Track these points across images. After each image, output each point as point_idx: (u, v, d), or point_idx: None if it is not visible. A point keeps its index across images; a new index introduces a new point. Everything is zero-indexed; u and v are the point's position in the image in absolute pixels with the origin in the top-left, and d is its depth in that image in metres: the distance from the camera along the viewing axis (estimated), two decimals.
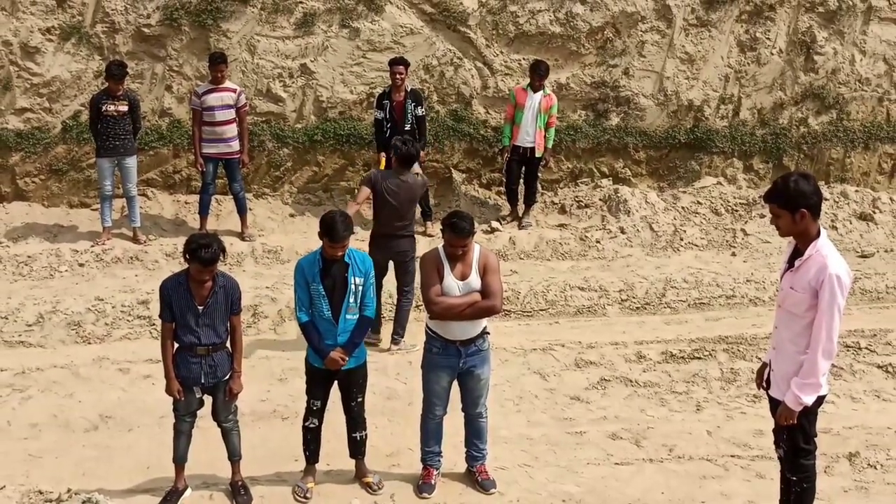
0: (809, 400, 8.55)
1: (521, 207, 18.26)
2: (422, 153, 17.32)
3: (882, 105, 19.43)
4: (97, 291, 15.21)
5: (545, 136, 17.61)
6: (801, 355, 8.57)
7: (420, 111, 17.14)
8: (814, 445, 9.03)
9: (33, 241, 16.90)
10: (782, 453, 9.26)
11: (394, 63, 17.02)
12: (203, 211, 17.11)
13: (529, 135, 17.48)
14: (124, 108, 16.40)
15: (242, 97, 16.90)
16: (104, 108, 16.25)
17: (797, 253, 8.60)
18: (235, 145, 16.89)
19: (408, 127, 17.00)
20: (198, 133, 16.60)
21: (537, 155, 17.66)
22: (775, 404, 8.98)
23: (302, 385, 10.76)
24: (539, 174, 18.20)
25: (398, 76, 16.93)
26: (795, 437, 8.90)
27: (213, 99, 16.48)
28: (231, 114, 16.65)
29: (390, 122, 17.06)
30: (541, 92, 17.42)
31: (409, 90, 17.06)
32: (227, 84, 16.71)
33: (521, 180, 18.19)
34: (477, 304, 10.18)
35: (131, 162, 16.69)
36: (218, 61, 16.56)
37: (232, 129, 16.76)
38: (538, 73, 17.34)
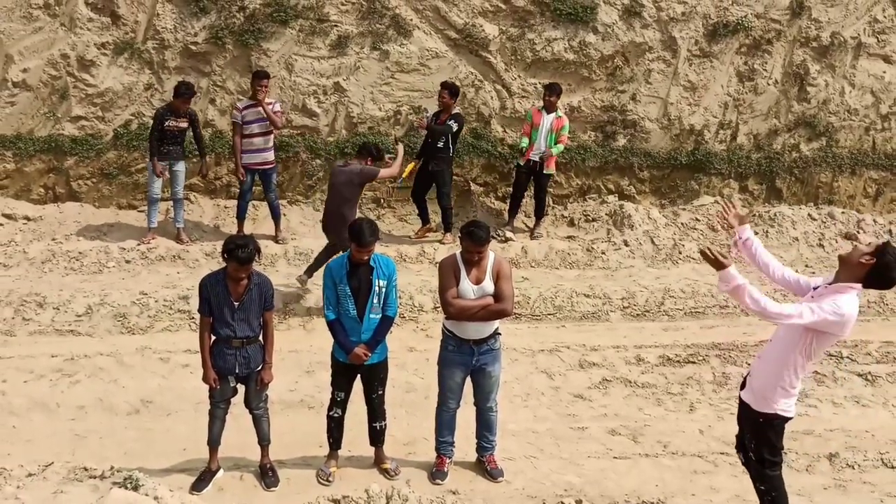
0: (726, 287, 8.26)
1: (531, 220, 18.28)
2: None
3: (868, 134, 19.40)
4: (142, 286, 15.26)
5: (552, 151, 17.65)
6: (779, 371, 8.55)
7: (455, 127, 17.09)
8: (780, 458, 9.00)
9: (84, 239, 16.94)
10: (742, 458, 9.29)
11: (441, 86, 17.16)
12: (241, 216, 17.12)
13: (541, 151, 17.48)
14: (184, 124, 16.48)
15: (277, 106, 16.90)
16: (167, 123, 16.31)
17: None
18: (271, 156, 16.91)
19: (440, 144, 17.01)
20: (239, 144, 16.62)
21: (546, 173, 17.68)
22: (744, 409, 8.98)
23: (328, 377, 10.80)
24: (549, 189, 18.21)
25: (442, 99, 17.04)
26: (762, 448, 8.89)
27: (252, 114, 16.50)
28: (268, 126, 16.67)
29: (430, 137, 17.13)
30: (554, 114, 17.42)
31: (453, 113, 17.11)
32: (266, 99, 16.70)
33: (531, 195, 18.21)
34: (490, 306, 10.22)
35: (180, 167, 16.76)
36: (260, 77, 16.61)
37: (269, 141, 16.79)
38: (553, 93, 17.33)
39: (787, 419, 8.78)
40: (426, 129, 17.13)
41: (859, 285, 8.35)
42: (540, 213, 18.10)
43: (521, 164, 17.70)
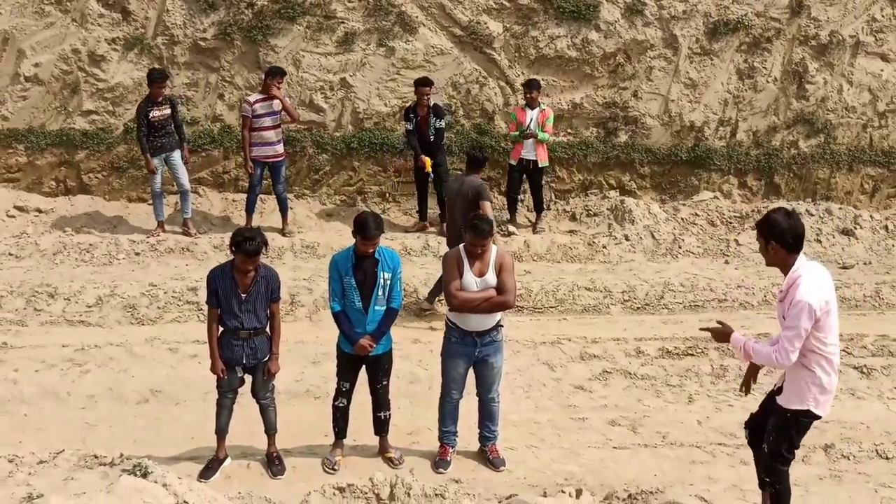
0: (739, 354, 8.58)
1: (534, 215, 18.28)
2: (423, 157, 17.29)
3: (866, 131, 19.38)
4: (151, 278, 15.31)
5: (545, 146, 17.66)
6: (805, 371, 8.52)
7: (439, 123, 17.18)
8: (793, 456, 8.98)
9: (95, 231, 17.03)
10: (748, 435, 9.29)
11: (420, 84, 17.10)
12: (249, 209, 17.15)
13: (531, 148, 17.48)
14: (167, 111, 16.53)
15: (288, 100, 16.94)
16: (151, 115, 16.35)
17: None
18: (281, 148, 16.96)
19: (432, 139, 17.07)
20: (248, 138, 16.65)
21: (540, 166, 17.70)
22: (773, 403, 8.94)
23: (333, 368, 10.86)
24: (543, 184, 18.20)
25: (425, 97, 17.03)
26: (781, 442, 8.83)
27: (264, 108, 16.55)
28: (278, 120, 16.74)
29: (417, 134, 17.16)
30: (537, 108, 17.46)
31: (430, 105, 17.15)
32: (277, 93, 16.77)
33: (527, 192, 18.23)
34: (492, 299, 10.28)
35: (177, 156, 16.80)
36: (275, 74, 16.69)
37: (278, 134, 16.83)
38: (533, 89, 17.37)
39: (815, 416, 8.75)
40: (413, 127, 17.23)
41: (796, 263, 8.37)
42: (539, 208, 18.08)
43: (514, 163, 17.68)
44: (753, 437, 9.25)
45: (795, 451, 9.00)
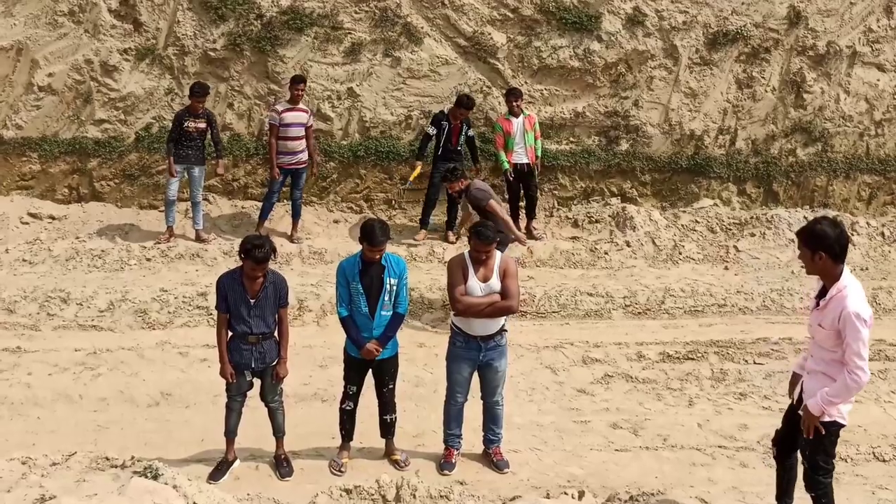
0: (832, 411, 8.47)
1: (539, 223, 18.26)
2: (474, 168, 17.57)
3: (862, 140, 19.35)
4: (162, 283, 15.30)
5: (534, 149, 17.70)
6: (831, 379, 8.41)
7: (471, 132, 17.43)
8: (832, 465, 8.91)
9: (107, 238, 17.01)
10: (775, 451, 9.24)
11: (461, 106, 17.20)
12: (263, 215, 17.20)
13: (522, 153, 17.53)
14: (203, 125, 16.59)
15: (312, 119, 17.08)
16: (186, 124, 16.42)
17: (823, 291, 8.48)
18: (303, 157, 17.02)
19: (459, 147, 17.22)
20: (275, 145, 16.73)
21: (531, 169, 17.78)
22: (797, 419, 8.88)
23: (340, 371, 10.85)
24: (546, 191, 18.21)
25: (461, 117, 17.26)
26: (817, 454, 8.75)
27: (289, 117, 16.65)
28: (302, 131, 16.82)
29: (445, 141, 17.18)
30: (521, 115, 17.50)
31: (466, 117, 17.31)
32: (302, 105, 16.90)
33: (524, 196, 18.21)
34: (496, 304, 10.27)
35: (200, 171, 16.84)
36: (297, 81, 16.78)
37: (302, 144, 16.90)
38: (518, 97, 17.48)
39: (843, 426, 8.73)
40: (441, 133, 17.20)
41: (843, 274, 8.34)
42: (532, 214, 18.03)
43: (511, 171, 17.62)
44: (781, 453, 9.22)
45: (833, 461, 8.94)
